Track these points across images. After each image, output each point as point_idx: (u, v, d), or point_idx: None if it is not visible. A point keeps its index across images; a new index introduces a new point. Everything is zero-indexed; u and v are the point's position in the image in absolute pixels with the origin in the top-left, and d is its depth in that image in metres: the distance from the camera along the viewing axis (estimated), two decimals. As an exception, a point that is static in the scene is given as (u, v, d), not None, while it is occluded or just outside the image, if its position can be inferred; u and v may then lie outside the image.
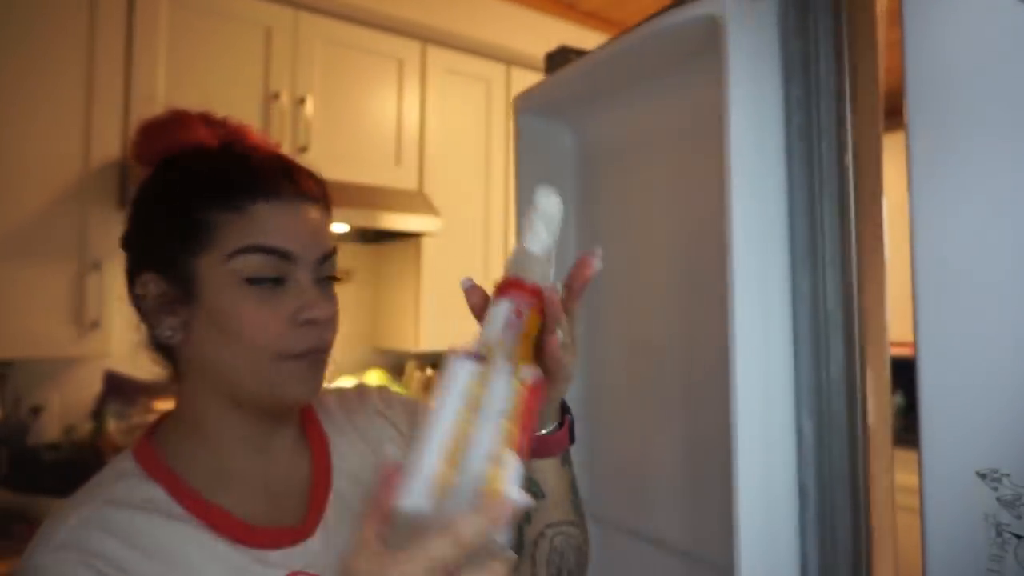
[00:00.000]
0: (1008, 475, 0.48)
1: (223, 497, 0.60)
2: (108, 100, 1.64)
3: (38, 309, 1.56)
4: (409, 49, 2.13)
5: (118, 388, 1.72)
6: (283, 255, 0.59)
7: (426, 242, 2.12)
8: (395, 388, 2.20)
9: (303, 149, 1.90)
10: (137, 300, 0.63)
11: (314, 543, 0.60)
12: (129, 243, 0.65)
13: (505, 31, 2.30)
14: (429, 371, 2.33)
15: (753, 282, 0.59)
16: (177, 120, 0.63)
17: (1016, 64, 0.50)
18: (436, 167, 2.16)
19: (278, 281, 0.59)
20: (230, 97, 1.81)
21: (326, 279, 0.62)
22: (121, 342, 1.71)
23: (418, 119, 2.14)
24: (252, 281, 0.58)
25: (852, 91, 0.57)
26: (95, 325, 1.60)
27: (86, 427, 1.74)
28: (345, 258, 2.31)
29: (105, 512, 0.55)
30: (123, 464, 0.60)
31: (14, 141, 1.54)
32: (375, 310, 2.36)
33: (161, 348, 0.63)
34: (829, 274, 0.57)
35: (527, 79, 2.39)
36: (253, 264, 0.58)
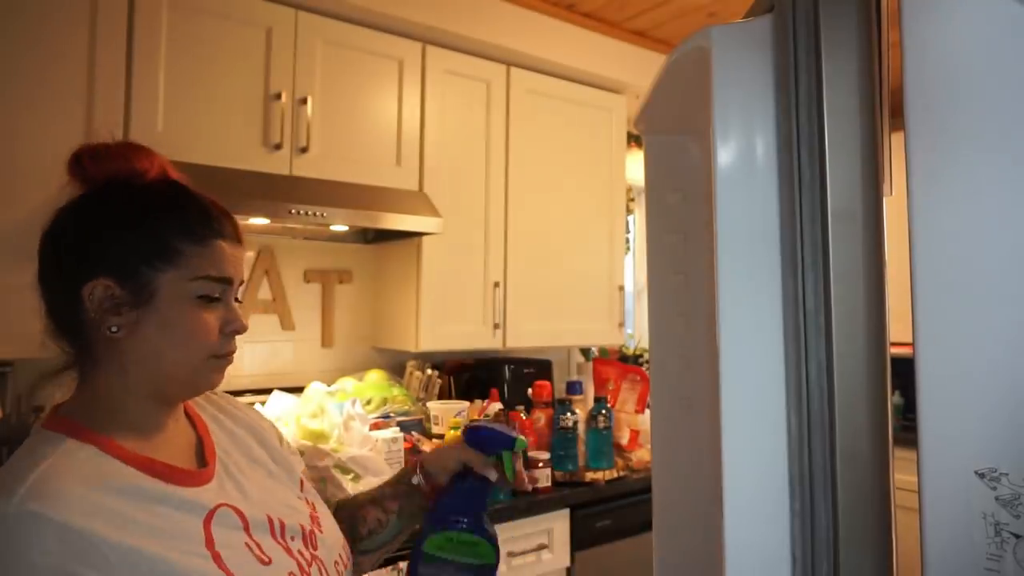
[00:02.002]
0: (1007, 474, 0.48)
1: (147, 453, 0.75)
2: (108, 100, 1.64)
3: (38, 309, 1.55)
4: (409, 49, 2.13)
5: (118, 388, 1.72)
6: (225, 282, 0.78)
7: (426, 242, 2.12)
8: (395, 388, 2.18)
9: (303, 149, 1.90)
10: (77, 299, 0.76)
11: (213, 485, 0.78)
12: (71, 246, 0.79)
13: (505, 31, 2.30)
14: (429, 371, 2.33)
15: (741, 286, 0.59)
16: (131, 149, 0.79)
17: (1016, 64, 0.50)
18: (436, 167, 2.16)
19: (215, 300, 0.77)
20: (230, 97, 1.81)
21: (236, 300, 0.82)
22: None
23: (418, 119, 2.14)
24: (200, 298, 0.76)
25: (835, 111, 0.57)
26: (95, 325, 1.60)
27: (86, 427, 1.74)
28: (345, 258, 2.32)
29: (62, 464, 0.69)
30: (46, 438, 0.72)
31: (14, 140, 1.54)
32: (375, 310, 2.36)
33: (72, 334, 0.79)
34: (808, 276, 0.57)
35: (527, 79, 2.40)
36: (206, 287, 0.76)
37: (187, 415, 0.85)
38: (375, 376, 2.14)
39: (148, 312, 0.74)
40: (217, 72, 1.80)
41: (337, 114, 1.98)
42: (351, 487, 1.62)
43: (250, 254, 2.14)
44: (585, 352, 2.89)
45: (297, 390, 1.97)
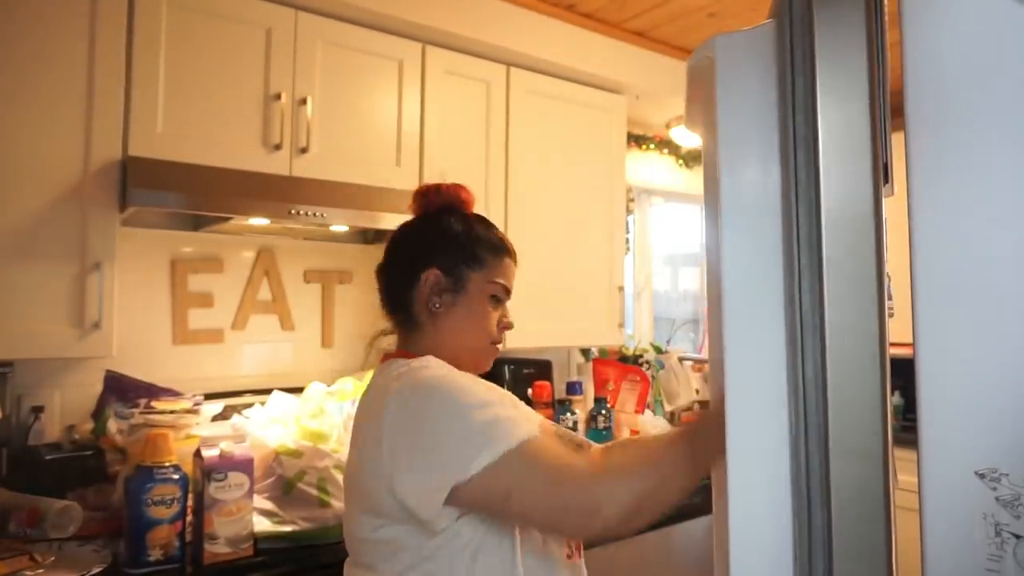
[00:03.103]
0: (1007, 475, 0.48)
1: None
2: (108, 100, 1.64)
3: (38, 310, 1.56)
4: (409, 49, 2.13)
5: (118, 388, 1.72)
6: (507, 291, 1.11)
7: (426, 242, 2.12)
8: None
9: (303, 150, 1.90)
10: (413, 280, 1.07)
11: None
12: (416, 243, 1.11)
13: (505, 31, 2.30)
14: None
15: (744, 287, 0.60)
16: (463, 191, 1.14)
17: (1016, 64, 0.50)
18: (436, 167, 2.16)
19: (500, 301, 1.10)
20: (230, 97, 1.81)
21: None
22: (122, 342, 1.71)
23: (418, 119, 2.14)
24: (492, 298, 1.09)
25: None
26: (95, 326, 1.60)
27: (87, 427, 1.74)
28: (345, 258, 2.32)
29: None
30: (436, 361, 1.01)
31: (14, 141, 1.54)
32: (375, 310, 2.36)
33: (401, 308, 1.09)
34: (805, 276, 0.57)
35: (527, 79, 2.40)
36: (497, 290, 1.09)
37: None
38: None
39: (460, 299, 1.06)
40: (217, 72, 1.80)
41: (337, 114, 1.98)
42: (351, 487, 1.62)
43: (250, 254, 2.14)
44: (585, 352, 2.89)
45: (297, 390, 1.97)
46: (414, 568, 0.93)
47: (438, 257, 1.07)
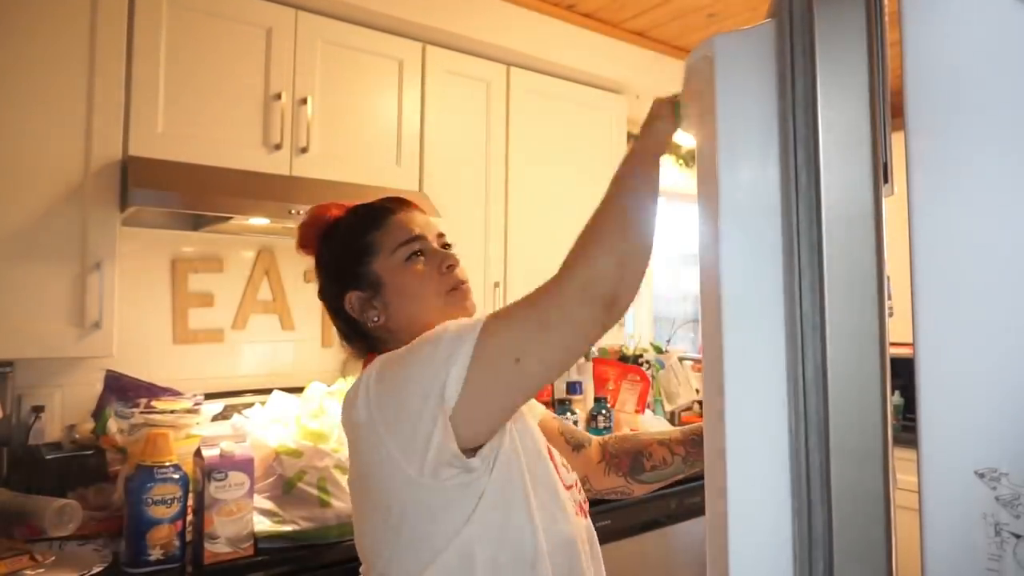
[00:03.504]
0: (1007, 474, 0.48)
1: None
2: (108, 100, 1.64)
3: (39, 309, 1.56)
4: (409, 49, 2.13)
5: (119, 388, 1.73)
6: (416, 239, 0.99)
7: (426, 242, 2.12)
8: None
9: (304, 150, 1.90)
10: (347, 313, 1.00)
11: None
12: (326, 290, 1.05)
13: (505, 31, 2.30)
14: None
15: (743, 287, 0.60)
16: (319, 209, 1.06)
17: (1016, 64, 0.50)
18: (436, 167, 2.16)
19: (420, 252, 0.99)
20: (230, 97, 1.81)
21: (445, 247, 1.03)
22: (122, 342, 1.71)
23: (418, 119, 2.14)
24: (408, 260, 0.98)
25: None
26: (96, 326, 1.60)
27: (87, 426, 1.74)
28: (345, 258, 2.32)
29: None
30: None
31: (14, 141, 1.54)
32: (375, 310, 2.36)
33: (359, 336, 1.02)
34: (805, 276, 0.57)
35: (527, 79, 2.40)
36: (405, 250, 0.98)
37: None
38: (375, 376, 2.13)
39: (385, 293, 0.98)
40: (217, 72, 1.80)
41: (337, 114, 1.98)
42: (351, 487, 1.62)
43: (250, 254, 2.14)
44: (585, 352, 2.89)
45: (297, 390, 1.97)
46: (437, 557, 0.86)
47: (342, 282, 1.01)
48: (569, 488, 1.00)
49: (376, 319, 0.98)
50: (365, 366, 0.99)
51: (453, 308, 0.98)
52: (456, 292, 0.99)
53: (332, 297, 1.03)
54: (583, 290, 0.82)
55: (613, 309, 0.82)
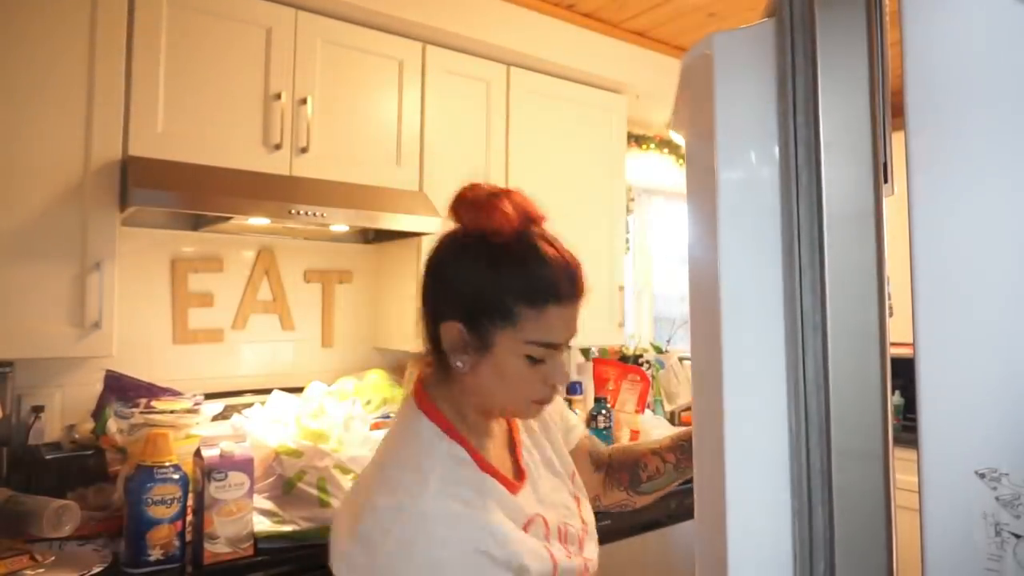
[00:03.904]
0: (1007, 474, 0.48)
1: (482, 453, 0.93)
2: (108, 100, 1.64)
3: (39, 309, 1.56)
4: (409, 49, 2.13)
5: (118, 388, 1.73)
6: (552, 347, 0.90)
7: (426, 242, 2.12)
8: (396, 388, 2.19)
9: (303, 149, 1.90)
10: (438, 335, 0.91)
11: (527, 490, 0.96)
12: (439, 285, 0.94)
13: (505, 31, 2.30)
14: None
15: (743, 286, 0.60)
16: (495, 210, 0.90)
17: (1016, 64, 0.50)
18: (436, 167, 2.16)
19: (543, 361, 0.90)
20: (230, 97, 1.81)
21: (568, 346, 0.95)
22: (122, 342, 1.71)
23: (418, 119, 2.14)
24: (529, 357, 0.89)
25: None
26: (96, 326, 1.60)
27: (87, 427, 1.74)
28: (345, 258, 2.32)
29: (450, 465, 0.89)
30: (431, 429, 0.92)
31: (14, 141, 1.54)
32: (375, 310, 2.36)
33: (436, 347, 0.93)
34: (806, 275, 0.57)
35: (527, 79, 2.40)
36: (534, 350, 0.89)
37: (506, 423, 1.04)
38: (375, 376, 2.14)
39: (486, 358, 0.89)
40: (217, 72, 1.80)
41: (337, 114, 1.98)
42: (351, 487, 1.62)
43: (250, 254, 2.14)
44: (585, 352, 2.89)
45: (297, 390, 1.97)
46: None
47: (460, 308, 0.90)
48: (569, 553, 0.96)
49: (459, 365, 0.90)
50: (416, 395, 0.96)
51: (523, 414, 0.97)
52: (538, 405, 0.94)
53: (439, 301, 0.93)
54: None
55: None
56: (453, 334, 0.90)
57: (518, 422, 1.04)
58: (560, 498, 1.01)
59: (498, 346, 0.88)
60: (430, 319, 0.94)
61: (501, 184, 0.97)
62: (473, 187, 0.93)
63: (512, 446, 1.01)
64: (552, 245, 0.94)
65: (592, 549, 1.01)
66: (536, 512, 0.94)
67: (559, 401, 1.12)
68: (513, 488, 0.93)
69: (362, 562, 0.83)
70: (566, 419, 1.15)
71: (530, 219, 0.93)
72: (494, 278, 0.89)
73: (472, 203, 0.91)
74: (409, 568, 0.81)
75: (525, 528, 0.91)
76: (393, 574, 0.81)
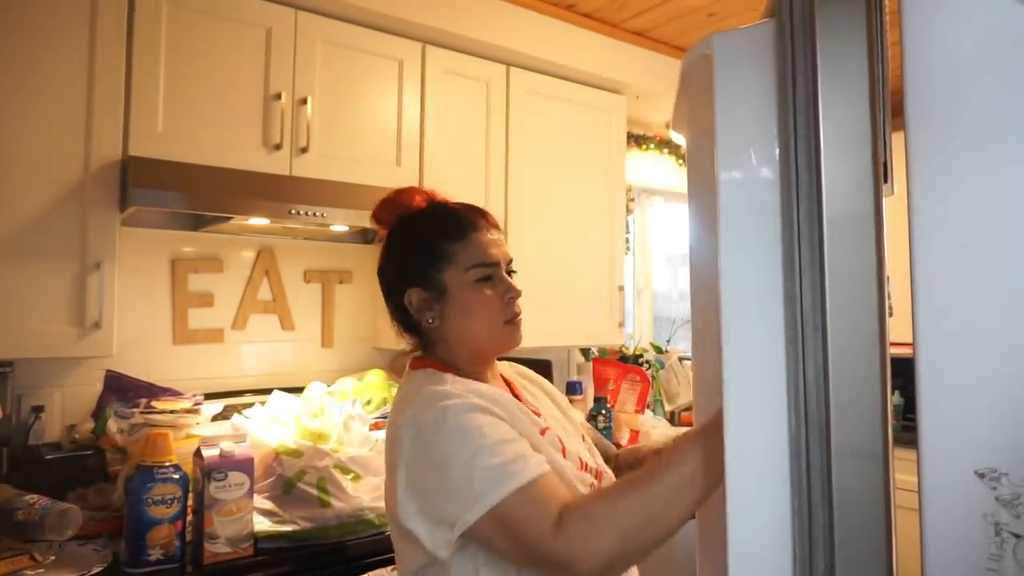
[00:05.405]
0: (1007, 474, 0.48)
1: None
2: (108, 100, 1.64)
3: (39, 309, 1.56)
4: (409, 49, 2.13)
5: (118, 388, 1.73)
6: (492, 264, 1.03)
7: (426, 242, 2.12)
8: (395, 388, 2.19)
9: (304, 150, 1.90)
10: (404, 307, 1.05)
11: (542, 416, 1.07)
12: (388, 273, 1.09)
13: (505, 31, 2.30)
14: (429, 371, 2.32)
15: (743, 286, 0.60)
16: (403, 193, 1.08)
17: (1016, 64, 0.50)
18: (436, 167, 2.16)
19: (489, 278, 1.03)
20: (230, 97, 1.81)
21: (510, 273, 1.07)
22: (122, 342, 1.71)
23: (418, 119, 2.14)
24: (478, 281, 1.02)
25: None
26: (96, 326, 1.60)
27: (87, 427, 1.74)
28: (345, 258, 2.32)
29: (463, 383, 0.99)
30: (432, 374, 1.02)
31: (14, 141, 1.54)
32: (375, 310, 2.36)
33: (411, 329, 1.08)
34: (806, 276, 0.57)
35: (527, 79, 2.40)
36: (478, 272, 1.02)
37: (504, 382, 1.13)
38: (375, 376, 2.14)
39: (447, 302, 1.03)
40: (217, 72, 1.80)
41: (337, 114, 1.98)
42: (351, 487, 1.62)
43: (250, 254, 2.14)
44: (585, 352, 2.89)
45: (297, 390, 1.97)
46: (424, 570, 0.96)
47: (409, 275, 1.04)
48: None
49: (431, 321, 1.03)
50: (412, 367, 1.07)
51: (504, 338, 1.04)
52: (511, 324, 1.04)
53: (393, 284, 1.07)
54: (567, 566, 0.82)
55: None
56: (414, 298, 1.04)
57: (515, 384, 1.14)
58: (577, 448, 1.06)
59: (450, 285, 1.02)
60: (395, 307, 1.08)
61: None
62: (381, 198, 1.10)
63: (516, 398, 1.08)
64: (456, 203, 1.08)
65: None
66: (550, 427, 1.03)
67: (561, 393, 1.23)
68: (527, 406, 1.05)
69: (413, 459, 0.92)
70: (570, 407, 1.22)
71: (429, 195, 1.09)
72: (420, 237, 1.05)
73: (384, 201, 1.09)
74: (441, 436, 0.91)
75: (541, 433, 0.99)
76: (431, 448, 0.91)
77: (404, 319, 1.08)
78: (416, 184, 2.11)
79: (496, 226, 1.07)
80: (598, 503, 0.84)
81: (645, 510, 0.81)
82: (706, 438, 0.78)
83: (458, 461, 0.88)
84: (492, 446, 0.88)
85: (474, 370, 1.06)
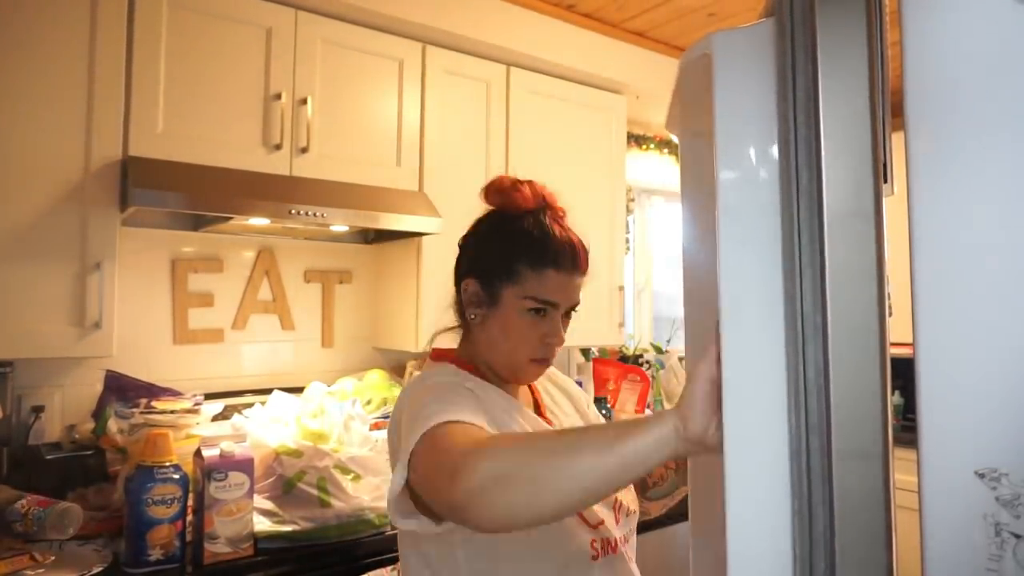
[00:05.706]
0: (1007, 474, 0.48)
1: None
2: (108, 100, 1.64)
3: (39, 309, 1.56)
4: (409, 49, 2.13)
5: (118, 388, 1.73)
6: (549, 304, 1.02)
7: (426, 242, 2.12)
8: (395, 388, 2.19)
9: (304, 149, 1.90)
10: (461, 289, 1.08)
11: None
12: (466, 249, 1.11)
13: (505, 31, 2.30)
14: (429, 371, 2.32)
15: (743, 286, 0.60)
16: (517, 191, 1.07)
17: (1016, 64, 0.50)
18: (436, 167, 2.16)
19: (542, 313, 1.02)
20: (230, 97, 1.81)
21: (569, 313, 1.07)
22: (122, 342, 1.71)
23: (418, 119, 2.14)
24: (529, 311, 1.02)
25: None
26: (96, 326, 1.60)
27: (87, 427, 1.74)
28: (345, 258, 2.32)
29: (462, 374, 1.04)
30: (447, 368, 1.07)
31: (15, 141, 1.54)
32: (375, 310, 2.36)
33: (460, 308, 1.10)
34: (806, 276, 0.57)
35: (527, 79, 2.40)
36: (533, 304, 1.02)
37: (530, 388, 1.15)
38: (375, 376, 2.14)
39: (494, 313, 1.04)
40: (217, 72, 1.80)
41: (337, 114, 1.98)
42: (351, 487, 1.62)
43: (250, 254, 2.14)
44: (585, 352, 2.90)
45: (297, 390, 1.97)
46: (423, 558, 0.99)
47: (476, 267, 1.06)
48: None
49: (473, 317, 1.06)
50: (433, 357, 1.11)
51: (522, 372, 1.06)
52: (536, 364, 1.04)
53: (463, 263, 1.10)
54: (451, 474, 0.74)
55: (464, 498, 0.72)
56: (469, 289, 1.06)
57: (541, 390, 1.16)
58: None
59: (503, 302, 1.03)
60: (456, 282, 1.10)
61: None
62: (501, 177, 1.10)
63: (536, 408, 1.12)
64: (560, 225, 1.06)
65: (628, 519, 1.08)
66: None
67: (585, 394, 1.26)
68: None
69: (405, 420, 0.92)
70: (593, 408, 1.24)
71: (545, 202, 1.07)
72: (504, 243, 1.04)
73: (498, 188, 1.08)
74: (419, 390, 0.95)
75: None
76: (409, 400, 0.95)
77: (456, 297, 1.10)
78: (417, 184, 2.12)
79: (583, 271, 1.06)
80: (500, 439, 0.81)
81: (527, 464, 0.71)
82: (627, 426, 0.68)
83: (411, 419, 0.87)
84: (444, 395, 0.90)
85: (496, 377, 1.08)
